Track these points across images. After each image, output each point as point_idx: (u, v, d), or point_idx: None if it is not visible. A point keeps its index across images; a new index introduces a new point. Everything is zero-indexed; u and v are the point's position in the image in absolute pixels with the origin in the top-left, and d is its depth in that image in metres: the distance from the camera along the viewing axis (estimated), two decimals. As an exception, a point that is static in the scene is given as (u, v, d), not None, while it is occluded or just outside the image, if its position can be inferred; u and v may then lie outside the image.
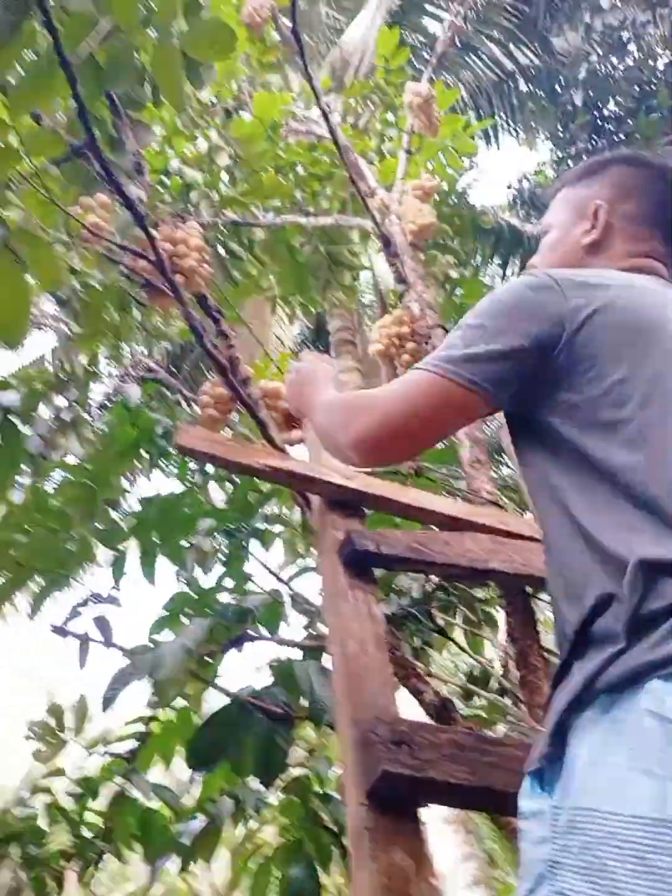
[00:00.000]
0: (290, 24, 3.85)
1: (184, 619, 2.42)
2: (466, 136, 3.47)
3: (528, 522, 1.74)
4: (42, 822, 2.38)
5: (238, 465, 1.49)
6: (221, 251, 3.49)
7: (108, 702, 1.79)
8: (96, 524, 2.33)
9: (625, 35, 8.81)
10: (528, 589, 1.71)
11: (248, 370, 2.03)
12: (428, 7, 9.66)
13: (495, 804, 1.20)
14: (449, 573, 1.64)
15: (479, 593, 2.30)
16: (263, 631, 2.05)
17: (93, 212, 1.95)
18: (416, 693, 1.69)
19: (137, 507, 2.53)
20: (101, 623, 2.12)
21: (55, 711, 2.36)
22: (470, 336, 1.05)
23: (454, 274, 3.55)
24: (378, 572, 1.58)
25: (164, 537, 2.32)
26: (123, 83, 1.67)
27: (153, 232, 1.90)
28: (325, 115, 2.40)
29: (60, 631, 2.10)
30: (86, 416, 2.77)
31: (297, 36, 2.22)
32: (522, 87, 10.41)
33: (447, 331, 2.47)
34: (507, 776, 1.12)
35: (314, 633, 2.29)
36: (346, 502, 1.60)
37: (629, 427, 0.92)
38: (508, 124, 11.03)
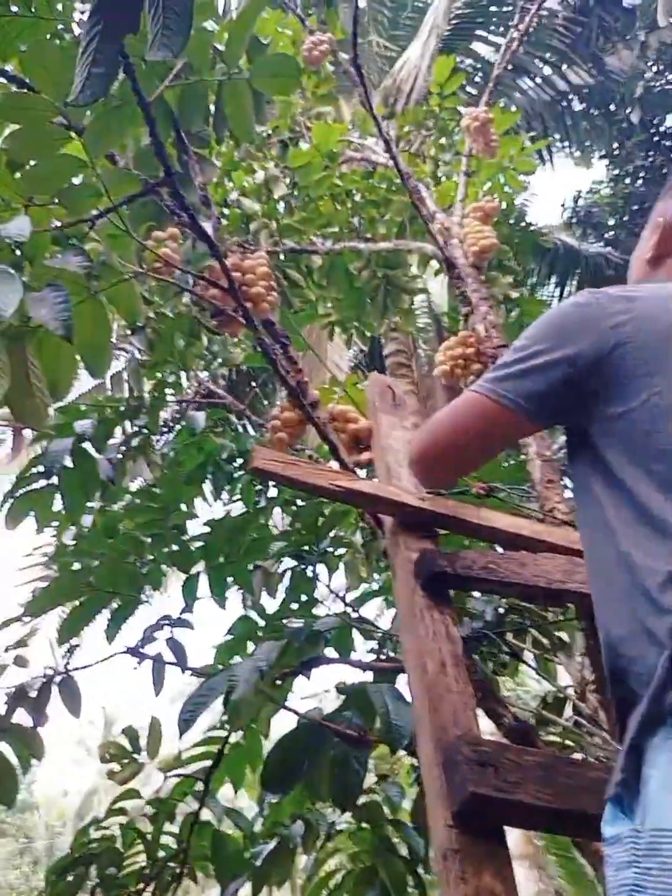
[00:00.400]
0: (345, 56, 3.95)
1: (250, 644, 2.45)
2: (525, 156, 3.48)
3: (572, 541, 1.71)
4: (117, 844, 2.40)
5: (313, 486, 1.51)
6: (281, 279, 3.56)
7: (186, 724, 1.81)
8: (167, 548, 2.38)
9: (680, 50, 8.72)
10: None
11: (316, 394, 2.06)
12: (479, 32, 9.73)
13: (581, 828, 1.17)
14: (524, 594, 1.62)
15: (551, 616, 2.27)
16: (334, 654, 2.05)
17: (164, 244, 2.02)
18: (495, 717, 1.66)
19: (203, 531, 2.59)
20: (175, 645, 2.15)
21: (130, 733, 2.40)
22: (512, 356, 1.10)
23: (514, 294, 3.54)
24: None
25: (233, 560, 2.35)
26: (196, 121, 1.74)
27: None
28: (387, 140, 2.44)
29: (135, 653, 2.14)
30: (153, 441, 2.84)
31: (358, 67, 2.27)
32: (576, 106, 10.38)
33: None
34: (593, 799, 1.10)
35: (383, 656, 2.28)
36: (419, 523, 1.60)
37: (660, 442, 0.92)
38: (563, 144, 10.98)
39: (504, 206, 3.77)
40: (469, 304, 2.43)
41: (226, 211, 3.58)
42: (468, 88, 9.72)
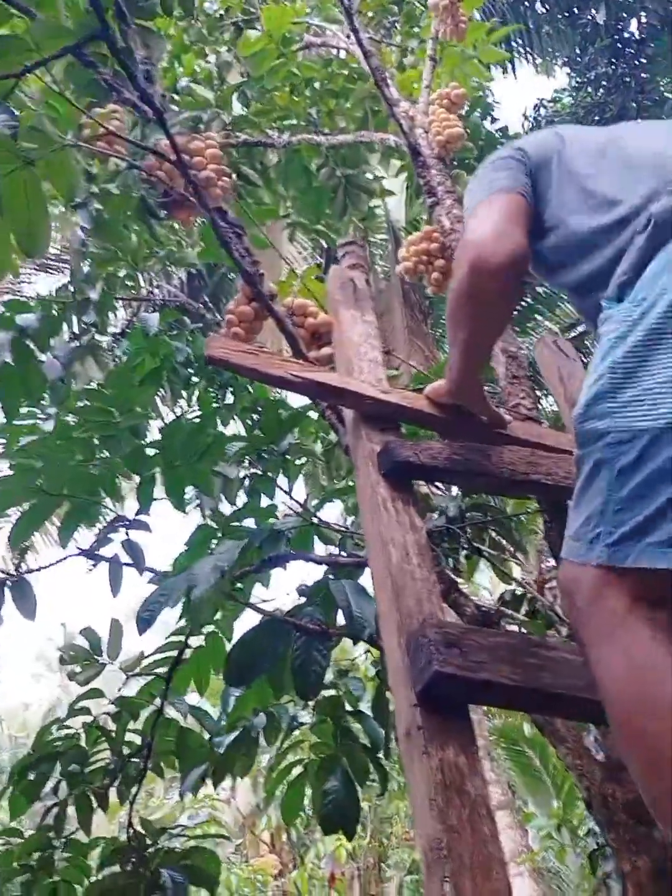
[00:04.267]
0: None
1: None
2: (491, 44, 3.29)
3: (568, 438, 1.69)
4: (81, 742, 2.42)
5: (273, 376, 1.45)
6: (234, 176, 3.37)
7: (144, 623, 1.79)
8: (120, 450, 2.31)
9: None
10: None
11: (273, 287, 1.97)
12: None
13: (543, 705, 1.20)
14: (489, 485, 1.61)
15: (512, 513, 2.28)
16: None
17: (107, 118, 1.87)
18: (457, 607, 1.68)
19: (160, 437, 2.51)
20: (132, 546, 2.11)
21: (90, 635, 2.38)
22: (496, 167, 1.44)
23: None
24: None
25: (191, 464, 2.29)
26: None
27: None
28: (349, 13, 2.26)
29: (90, 555, 2.10)
30: (104, 343, 2.72)
31: None
32: (539, 8, 9.94)
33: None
34: (556, 678, 1.12)
35: (344, 554, 2.28)
36: (380, 416, 1.56)
37: None
38: (525, 50, 10.58)
39: (469, 100, 3.60)
40: (434, 196, 2.32)
41: (176, 98, 3.34)
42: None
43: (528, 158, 1.41)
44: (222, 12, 3.64)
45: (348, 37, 3.26)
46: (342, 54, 3.47)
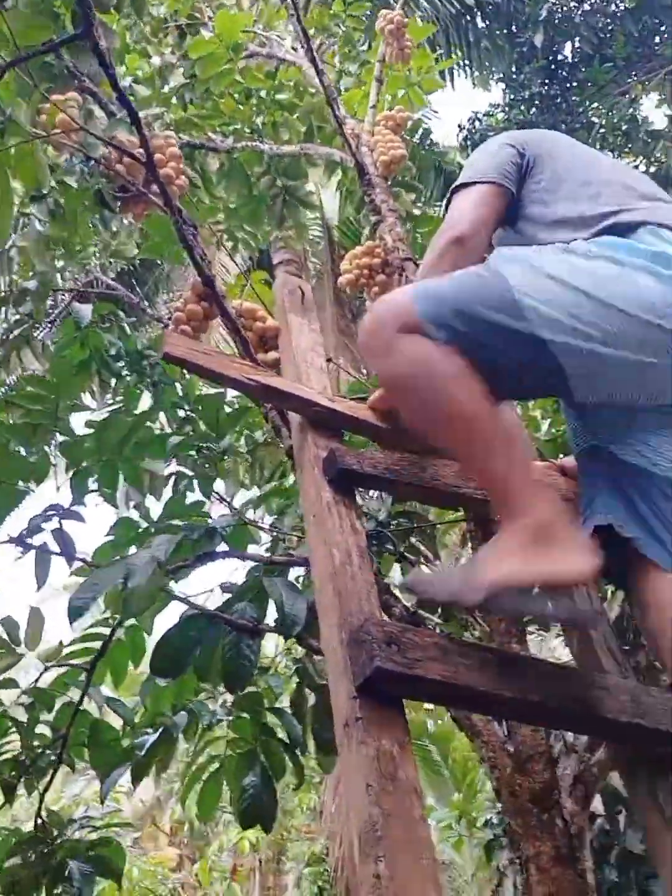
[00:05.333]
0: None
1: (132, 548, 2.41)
2: (433, 73, 3.42)
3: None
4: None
5: (228, 378, 1.50)
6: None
7: (76, 612, 1.79)
8: (54, 440, 2.29)
9: (586, -22, 8.72)
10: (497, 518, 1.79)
11: (223, 289, 2.01)
12: None
13: (469, 702, 1.29)
14: (423, 495, 1.70)
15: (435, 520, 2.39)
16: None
17: (64, 107, 1.87)
18: (386, 607, 1.76)
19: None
20: (62, 536, 2.10)
21: (8, 624, 2.35)
22: (480, 163, 1.58)
23: (416, 211, 3.53)
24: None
25: (126, 458, 2.30)
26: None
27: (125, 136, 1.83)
28: (306, 34, 2.32)
29: (20, 543, 2.08)
30: (40, 332, 2.69)
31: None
32: (480, 23, 10.22)
33: (417, 264, 2.49)
34: (483, 677, 1.21)
35: (276, 553, 2.34)
36: (326, 423, 1.63)
37: None
38: (464, 62, 10.85)
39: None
40: (378, 213, 2.41)
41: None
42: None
43: (524, 147, 1.56)
44: (169, 15, 3.61)
45: (295, 50, 3.31)
46: (286, 66, 3.51)
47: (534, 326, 1.18)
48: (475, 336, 1.21)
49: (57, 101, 1.79)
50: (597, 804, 2.68)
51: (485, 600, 1.15)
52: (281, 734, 2.43)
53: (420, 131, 4.00)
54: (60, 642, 2.49)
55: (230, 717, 2.51)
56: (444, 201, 1.60)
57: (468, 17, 10.05)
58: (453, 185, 1.57)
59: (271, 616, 2.00)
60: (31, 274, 2.44)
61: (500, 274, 1.23)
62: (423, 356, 1.21)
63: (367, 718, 1.11)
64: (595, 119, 9.48)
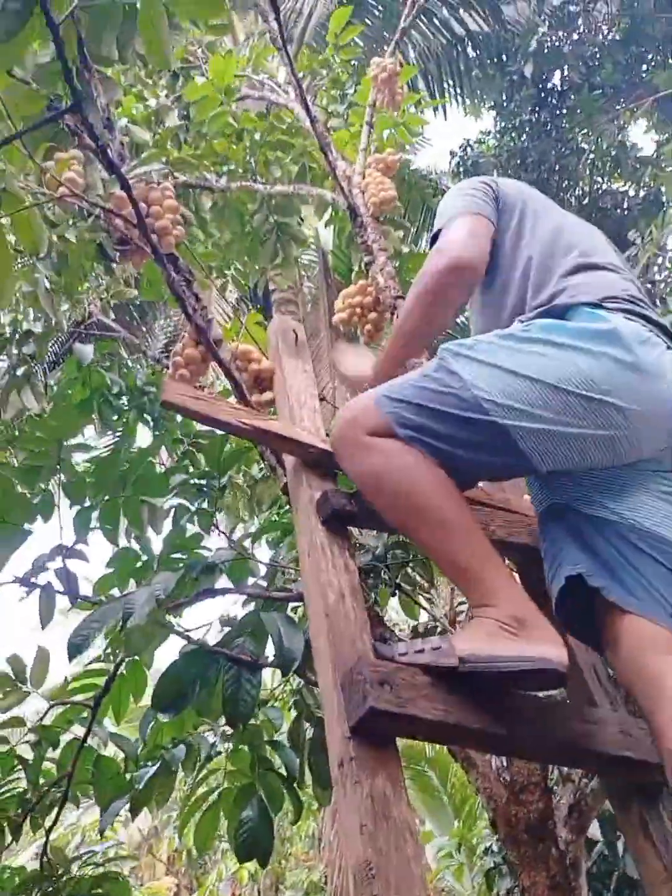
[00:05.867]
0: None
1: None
2: (417, 113, 3.53)
3: (485, 492, 1.84)
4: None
5: (224, 423, 1.55)
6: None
7: (76, 649, 1.83)
8: (58, 478, 2.35)
9: (573, 9, 8.91)
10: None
11: (220, 332, 2.07)
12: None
13: (463, 739, 1.33)
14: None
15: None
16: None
17: (67, 165, 1.94)
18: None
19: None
20: (66, 575, 2.15)
21: (15, 662, 2.39)
22: (460, 201, 1.64)
23: (405, 249, 3.61)
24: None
25: (127, 496, 2.35)
26: (107, 44, 1.66)
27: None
28: (299, 83, 2.41)
29: (25, 582, 2.13)
30: (40, 372, 2.76)
31: (276, 7, 2.22)
32: (471, 52, 10.43)
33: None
34: (475, 715, 1.25)
35: (274, 588, 2.38)
36: (320, 463, 1.68)
37: None
38: (455, 91, 11.04)
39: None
40: (370, 253, 2.49)
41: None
42: (367, 20, 9.55)
43: (499, 191, 1.66)
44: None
45: (287, 93, 3.41)
46: (279, 108, 3.62)
47: (491, 415, 1.28)
48: (437, 430, 1.30)
49: (60, 160, 1.86)
50: (595, 830, 2.70)
51: (459, 664, 1.20)
52: (279, 766, 2.45)
53: (406, 170, 4.06)
54: (66, 678, 2.52)
55: (228, 746, 2.54)
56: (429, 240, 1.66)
57: (459, 48, 10.25)
58: (436, 228, 1.64)
59: (270, 649, 2.04)
60: (32, 316, 2.50)
61: (453, 372, 1.33)
62: (388, 454, 1.30)
63: (360, 758, 1.15)
64: (584, 145, 9.65)
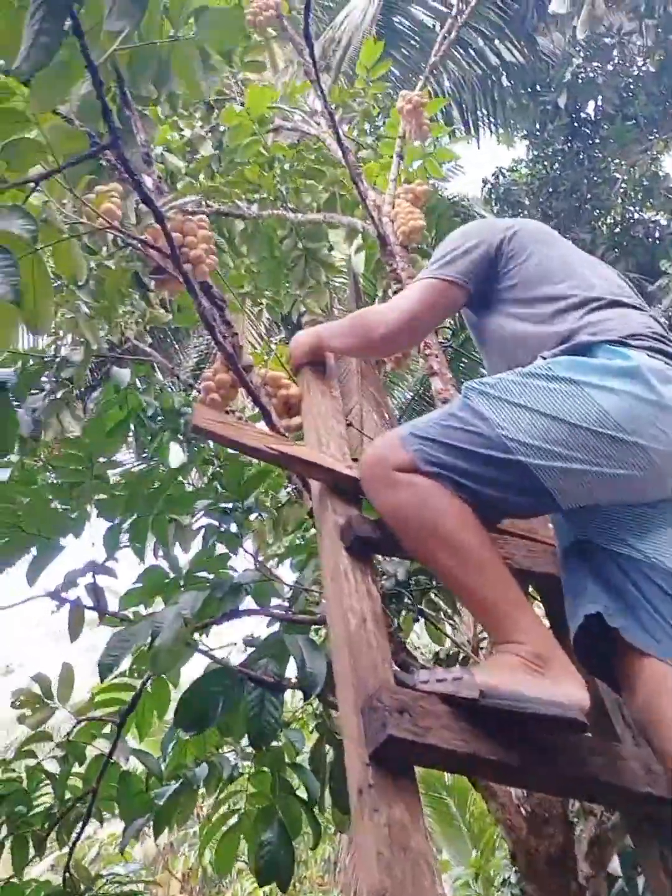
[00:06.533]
0: (291, 24, 3.90)
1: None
2: (447, 146, 3.59)
3: (528, 528, 1.84)
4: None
5: (251, 448, 1.58)
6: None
7: (108, 669, 1.87)
8: (92, 496, 2.40)
9: (609, 40, 8.97)
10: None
11: (251, 359, 2.12)
12: (419, -7, 9.68)
13: (481, 770, 1.33)
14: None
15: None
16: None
17: (106, 198, 2.02)
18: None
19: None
20: (95, 591, 2.19)
21: (41, 679, 2.43)
22: (445, 253, 1.66)
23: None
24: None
25: (156, 515, 2.39)
26: (145, 84, 1.73)
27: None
28: (333, 118, 2.48)
29: (55, 596, 2.17)
30: (77, 395, 2.83)
31: (310, 43, 2.29)
32: (504, 83, 10.54)
33: (436, 332, 2.60)
34: (494, 746, 1.25)
35: (296, 611, 2.40)
36: (346, 489, 1.70)
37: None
38: (489, 119, 11.14)
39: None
40: (398, 281, 2.54)
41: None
42: (403, 50, 9.70)
43: (502, 238, 1.66)
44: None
45: (318, 124, 3.50)
46: (312, 139, 3.70)
47: (515, 454, 1.30)
48: (463, 468, 1.33)
49: (100, 192, 1.94)
50: (616, 865, 2.65)
51: (480, 697, 1.20)
52: (298, 787, 2.45)
53: (435, 199, 4.14)
54: (92, 694, 2.56)
55: (250, 766, 2.55)
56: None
57: (494, 78, 10.36)
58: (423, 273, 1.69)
59: (291, 670, 2.06)
60: (70, 341, 2.58)
61: (477, 410, 1.37)
62: (415, 490, 1.34)
63: (379, 785, 1.16)
64: (616, 175, 9.66)
